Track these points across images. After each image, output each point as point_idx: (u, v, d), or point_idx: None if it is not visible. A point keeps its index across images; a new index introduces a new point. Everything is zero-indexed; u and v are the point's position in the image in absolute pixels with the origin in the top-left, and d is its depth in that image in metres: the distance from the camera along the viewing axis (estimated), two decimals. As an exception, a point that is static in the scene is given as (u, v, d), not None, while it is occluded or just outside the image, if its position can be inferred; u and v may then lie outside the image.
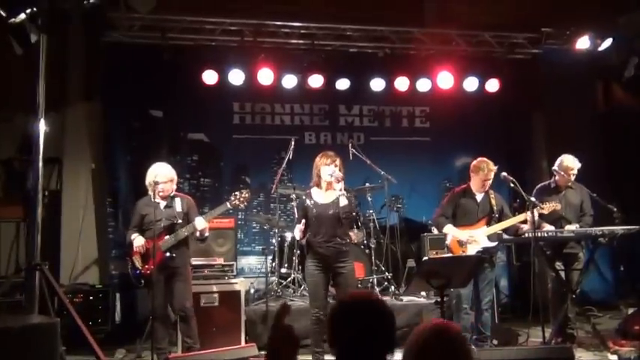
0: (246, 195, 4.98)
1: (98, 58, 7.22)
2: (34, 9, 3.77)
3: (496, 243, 5.30)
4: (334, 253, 4.65)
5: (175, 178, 5.11)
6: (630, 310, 6.38)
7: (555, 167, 5.77)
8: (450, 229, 5.34)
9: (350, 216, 4.83)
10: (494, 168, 5.29)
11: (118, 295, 6.72)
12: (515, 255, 7.69)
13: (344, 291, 4.63)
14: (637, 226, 5.30)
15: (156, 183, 4.89)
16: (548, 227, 5.38)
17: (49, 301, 3.86)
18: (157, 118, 7.69)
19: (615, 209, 5.51)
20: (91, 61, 7.24)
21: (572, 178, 5.71)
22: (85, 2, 3.92)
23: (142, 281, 4.85)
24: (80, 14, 3.99)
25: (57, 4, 3.81)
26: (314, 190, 4.83)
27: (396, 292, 6.45)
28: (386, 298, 6.30)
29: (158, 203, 4.96)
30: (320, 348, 4.70)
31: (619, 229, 5.21)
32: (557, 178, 5.75)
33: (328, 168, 4.68)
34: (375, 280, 6.50)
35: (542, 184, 5.90)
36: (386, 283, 6.62)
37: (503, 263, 7.78)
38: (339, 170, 4.70)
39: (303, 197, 4.90)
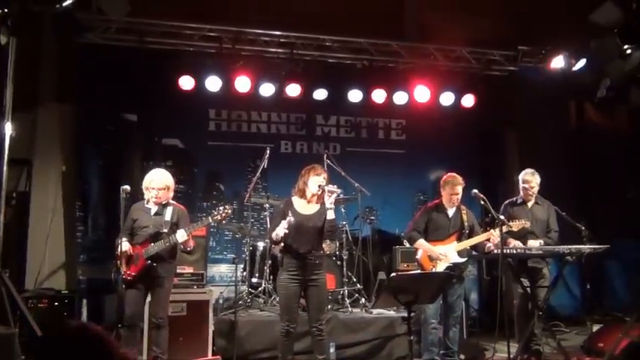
0: (229, 211, 4.95)
1: (72, 60, 7.13)
2: (5, 10, 3.70)
3: (466, 259, 5.37)
4: (310, 265, 4.61)
5: (172, 185, 5.05)
6: (595, 327, 6.48)
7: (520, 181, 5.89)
8: (422, 244, 5.39)
9: (334, 230, 4.81)
10: (462, 183, 5.37)
11: (85, 301, 6.61)
12: (485, 269, 7.77)
13: (315, 302, 4.64)
14: (603, 246, 5.40)
15: (150, 189, 4.84)
16: (514, 243, 5.44)
17: (8, 310, 3.77)
18: (131, 122, 7.60)
19: (583, 228, 5.60)
20: (64, 62, 7.14)
21: (533, 192, 5.80)
22: (57, 5, 3.86)
23: (123, 286, 4.80)
24: (52, 16, 3.92)
25: (28, 7, 3.74)
26: (295, 200, 4.77)
27: (367, 304, 6.46)
28: (356, 310, 6.32)
29: (149, 209, 4.92)
30: None
31: (586, 247, 5.29)
32: (522, 193, 5.84)
33: (317, 178, 4.65)
34: (346, 291, 6.51)
35: (510, 199, 5.99)
36: (357, 295, 6.63)
37: (474, 277, 7.86)
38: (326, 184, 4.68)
39: (281, 206, 4.83)
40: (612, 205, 8.18)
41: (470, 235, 5.36)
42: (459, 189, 5.36)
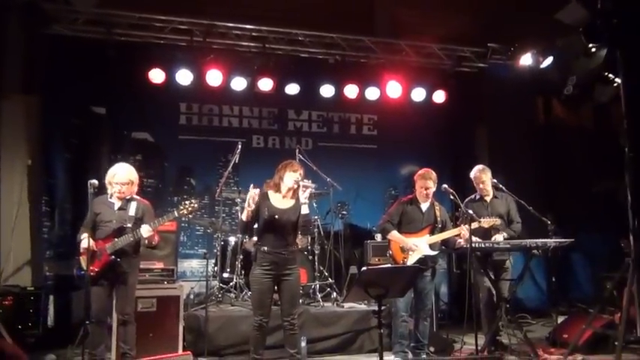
0: (195, 205, 4.89)
1: (39, 52, 6.97)
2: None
3: (437, 252, 5.44)
4: (283, 259, 4.61)
5: (136, 180, 4.97)
6: (561, 319, 6.65)
7: None
8: (394, 236, 5.45)
9: (309, 225, 4.86)
10: (433, 178, 5.42)
11: (51, 298, 6.47)
12: (455, 263, 7.89)
13: (288, 296, 4.65)
14: (569, 239, 5.54)
15: (114, 183, 4.76)
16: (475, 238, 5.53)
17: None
18: (100, 116, 7.49)
19: (549, 222, 5.73)
20: (30, 53, 6.97)
21: (484, 187, 5.92)
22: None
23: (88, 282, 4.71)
24: (17, 7, 3.82)
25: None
26: (270, 194, 4.77)
27: (338, 298, 6.50)
28: (328, 305, 6.36)
29: (113, 203, 4.84)
30: (259, 355, 4.67)
31: (552, 241, 5.42)
32: (477, 189, 5.97)
33: (294, 174, 4.68)
34: (318, 286, 6.53)
35: (470, 197, 6.09)
36: (328, 290, 6.66)
37: (444, 271, 7.96)
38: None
39: (257, 197, 4.73)
40: (578, 199, 8.39)
41: (442, 231, 5.42)
42: (430, 184, 5.42)
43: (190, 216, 5.11)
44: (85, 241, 4.67)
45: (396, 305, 5.40)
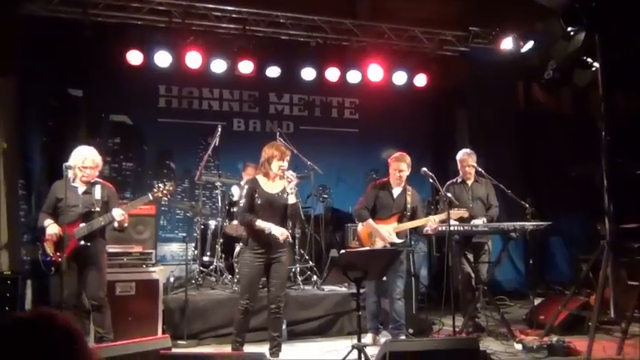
0: (170, 188, 4.85)
1: (13, 32, 6.79)
2: None
3: (403, 240, 5.45)
4: (275, 243, 4.64)
5: (101, 164, 4.91)
6: (538, 301, 6.76)
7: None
8: (370, 224, 5.42)
9: (297, 213, 4.92)
10: (406, 161, 5.44)
11: (29, 282, 6.40)
12: (435, 246, 7.96)
13: (276, 279, 4.67)
14: (546, 222, 5.62)
15: (81, 167, 4.68)
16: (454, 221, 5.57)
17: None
18: (76, 98, 7.36)
19: (527, 205, 5.79)
20: (5, 34, 6.78)
21: (470, 170, 5.98)
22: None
23: (53, 269, 4.63)
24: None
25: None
26: (260, 178, 4.77)
27: (318, 281, 6.52)
28: (308, 288, 6.38)
29: (76, 188, 4.75)
30: (241, 338, 4.71)
31: (529, 224, 5.50)
32: (461, 172, 6.01)
33: (280, 163, 4.68)
34: (298, 269, 6.55)
35: (452, 180, 6.14)
36: (309, 273, 6.68)
37: (424, 254, 8.03)
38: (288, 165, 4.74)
39: (247, 185, 4.81)
40: (557, 183, 8.49)
41: (412, 217, 5.45)
42: (404, 166, 5.43)
43: (166, 199, 5.05)
44: (51, 227, 4.60)
45: (367, 286, 5.47)
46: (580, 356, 4.79)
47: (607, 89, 4.72)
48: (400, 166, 5.43)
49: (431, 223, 5.28)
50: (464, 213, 5.41)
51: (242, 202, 4.72)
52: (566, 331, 5.57)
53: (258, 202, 4.65)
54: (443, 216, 5.28)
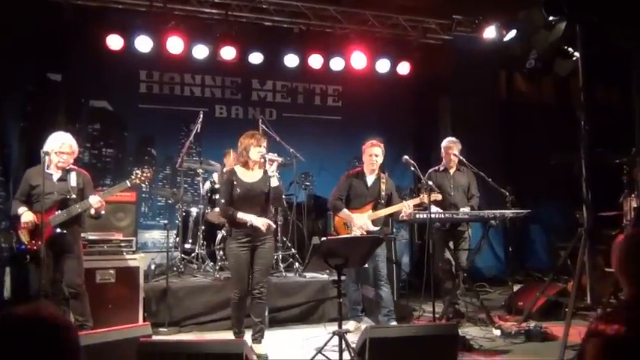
0: (148, 174, 4.80)
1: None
2: None
3: (379, 228, 5.45)
4: (258, 231, 4.63)
5: (77, 151, 4.85)
6: (517, 287, 6.85)
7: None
8: (345, 214, 5.43)
9: (280, 197, 4.90)
10: (379, 145, 5.46)
11: (7, 270, 6.32)
12: (417, 233, 8.01)
13: (260, 265, 4.69)
14: (525, 210, 5.69)
15: (58, 153, 4.60)
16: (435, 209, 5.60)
17: None
18: (55, 82, 7.24)
19: (507, 193, 5.84)
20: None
21: (453, 158, 6.01)
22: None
23: (27, 257, 4.57)
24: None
25: None
26: (238, 168, 4.76)
27: (300, 269, 6.53)
28: (290, 275, 6.39)
29: (51, 175, 4.67)
30: (241, 332, 4.75)
31: (509, 212, 5.56)
32: (444, 160, 6.04)
33: (259, 149, 4.66)
34: (281, 256, 6.55)
35: (434, 167, 6.18)
36: (291, 260, 6.69)
37: (405, 241, 8.09)
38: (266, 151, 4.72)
39: (226, 176, 4.83)
40: (537, 171, 8.57)
41: (387, 204, 5.45)
42: (378, 150, 5.44)
43: (144, 185, 5.01)
44: (26, 214, 4.54)
45: (347, 274, 5.43)
46: (556, 341, 4.88)
47: (587, 79, 4.76)
48: (375, 150, 5.44)
49: (405, 209, 5.27)
50: (437, 196, 5.42)
51: (220, 194, 4.73)
52: (543, 317, 5.66)
53: (238, 191, 4.64)
54: (416, 201, 5.31)
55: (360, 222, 5.35)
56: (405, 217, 5.35)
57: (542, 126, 8.74)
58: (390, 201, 5.49)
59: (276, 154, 4.75)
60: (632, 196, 6.04)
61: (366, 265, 5.34)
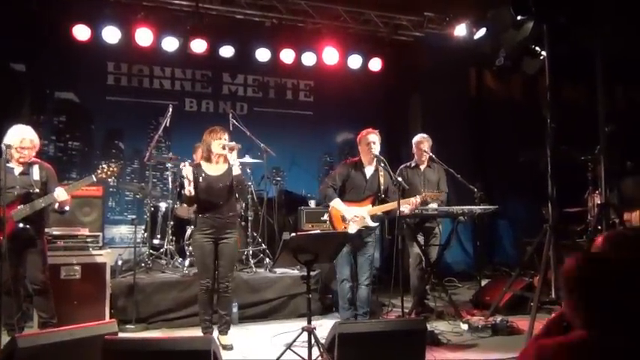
0: (114, 169, 4.72)
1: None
2: None
3: (378, 223, 5.39)
4: (222, 224, 4.74)
5: (39, 144, 4.73)
6: (485, 282, 6.96)
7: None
8: (337, 205, 5.24)
9: (243, 185, 4.89)
10: (375, 132, 5.33)
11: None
12: (387, 229, 8.07)
13: (225, 259, 4.76)
14: (493, 206, 5.77)
15: (19, 148, 4.47)
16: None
17: None
18: (19, 73, 7.09)
19: (476, 189, 5.92)
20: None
21: (424, 154, 6.05)
22: None
23: None
24: None
25: None
26: (203, 163, 4.84)
27: (271, 263, 6.51)
28: (260, 270, 6.37)
29: (12, 169, 4.55)
30: (209, 317, 4.82)
31: (477, 208, 5.63)
32: (415, 156, 6.09)
33: (219, 141, 4.74)
34: (251, 252, 6.52)
35: (405, 163, 6.22)
36: (261, 255, 6.66)
37: (376, 236, 8.12)
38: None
39: (189, 167, 4.81)
40: (505, 168, 8.72)
41: (384, 198, 5.34)
42: (375, 137, 5.28)
43: (110, 180, 4.94)
44: None
45: (340, 272, 5.35)
46: (522, 335, 4.98)
47: (553, 78, 4.86)
48: (372, 137, 5.26)
49: (414, 204, 5.17)
50: (438, 195, 5.44)
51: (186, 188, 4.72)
52: (510, 311, 5.76)
53: (202, 185, 4.72)
54: (430, 195, 5.31)
55: (354, 213, 5.17)
56: (406, 212, 5.22)
57: (511, 123, 8.88)
58: (387, 194, 5.31)
59: (233, 142, 4.79)
60: (597, 192, 6.19)
61: (363, 261, 5.32)
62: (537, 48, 5.34)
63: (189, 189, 4.65)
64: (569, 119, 6.11)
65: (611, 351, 1.66)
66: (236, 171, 4.74)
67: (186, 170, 4.71)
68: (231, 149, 4.72)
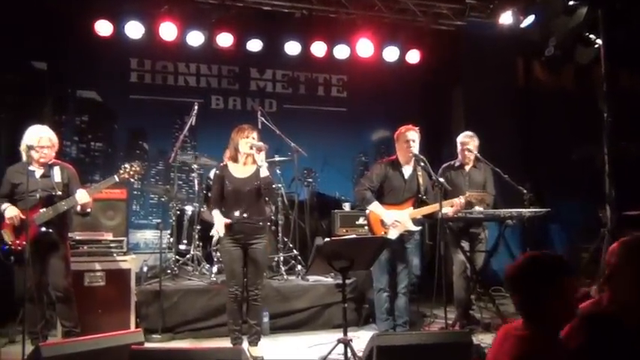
0: (138, 168, 4.82)
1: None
2: None
3: (420, 227, 5.37)
4: (250, 229, 4.79)
5: (57, 143, 4.87)
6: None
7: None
8: (376, 209, 5.21)
9: (271, 187, 4.95)
10: (415, 129, 5.30)
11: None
12: (427, 234, 8.01)
13: (254, 265, 4.81)
14: (544, 209, 5.66)
15: (37, 148, 4.61)
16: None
17: None
18: (40, 71, 7.27)
19: (525, 191, 5.82)
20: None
21: (469, 154, 5.96)
22: None
23: (12, 258, 4.59)
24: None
25: None
26: (230, 164, 4.90)
27: (303, 271, 6.54)
28: (292, 278, 6.40)
29: (33, 171, 4.67)
30: (238, 327, 4.88)
31: (526, 211, 5.53)
32: (459, 155, 6.03)
33: (247, 140, 4.80)
34: (282, 258, 6.56)
35: (448, 163, 6.15)
36: (293, 262, 6.69)
37: (416, 242, 8.07)
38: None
39: (217, 172, 4.96)
40: (558, 166, 8.55)
41: (425, 202, 5.29)
42: (414, 135, 5.25)
43: (133, 180, 5.05)
44: (9, 210, 4.54)
45: (377, 280, 5.35)
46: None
47: (610, 67, 4.75)
48: (411, 135, 5.22)
49: (457, 205, 5.16)
50: (484, 196, 5.39)
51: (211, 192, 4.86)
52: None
53: (229, 188, 4.80)
54: (475, 195, 5.27)
55: (400, 219, 5.14)
56: (450, 214, 5.21)
57: (563, 117, 8.70)
58: (427, 194, 5.29)
59: (262, 143, 4.83)
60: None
61: (402, 268, 5.32)
62: (591, 35, 5.23)
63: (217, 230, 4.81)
64: (627, 112, 5.97)
65: (546, 341, 2.07)
66: (264, 173, 4.77)
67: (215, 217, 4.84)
68: (259, 150, 4.76)
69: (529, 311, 2.12)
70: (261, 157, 4.76)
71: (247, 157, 4.86)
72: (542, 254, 2.19)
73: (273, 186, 5.22)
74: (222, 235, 4.76)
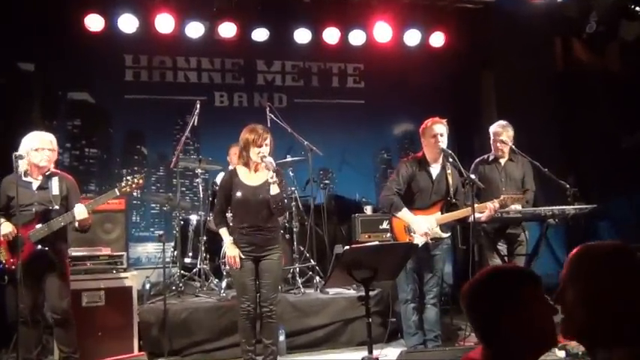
0: (140, 181, 4.87)
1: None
2: None
3: (449, 234, 5.36)
4: (262, 240, 4.81)
5: (57, 149, 4.95)
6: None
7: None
8: (405, 215, 5.17)
9: (282, 205, 4.93)
10: (442, 122, 5.28)
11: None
12: (460, 238, 7.97)
13: (267, 279, 4.81)
14: (590, 205, 5.60)
15: (39, 149, 4.69)
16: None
17: None
18: (27, 73, 7.38)
19: (568, 186, 5.78)
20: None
21: (502, 146, 5.91)
22: None
23: (6, 277, 4.66)
24: None
25: None
26: (239, 168, 4.91)
27: (321, 283, 6.55)
28: (309, 291, 6.42)
29: (30, 183, 4.76)
30: (252, 347, 4.87)
31: (570, 208, 5.47)
32: (493, 148, 5.99)
33: (258, 149, 4.77)
34: (298, 269, 6.58)
35: (482, 157, 6.11)
36: (310, 274, 6.71)
37: (447, 247, 8.03)
38: (270, 149, 4.83)
39: (226, 177, 5.00)
40: (605, 157, 8.46)
41: (455, 205, 5.26)
42: (442, 128, 5.22)
43: (136, 193, 5.10)
44: (5, 225, 4.60)
45: (402, 290, 5.34)
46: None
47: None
48: (438, 128, 5.18)
49: (491, 208, 5.10)
50: (521, 197, 5.34)
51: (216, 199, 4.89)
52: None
53: (238, 195, 4.79)
54: (514, 197, 5.21)
55: (425, 226, 5.11)
56: (483, 219, 5.18)
57: (609, 102, 8.61)
58: (456, 195, 5.25)
59: (272, 162, 4.78)
60: None
61: (429, 277, 5.32)
62: (637, 8, 5.18)
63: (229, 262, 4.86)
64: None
65: None
66: (274, 190, 4.74)
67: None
68: (268, 168, 4.76)
69: (485, 334, 2.00)
70: (270, 175, 4.74)
71: (257, 163, 4.87)
72: (502, 266, 2.13)
73: (285, 196, 5.18)
74: (237, 268, 4.79)
